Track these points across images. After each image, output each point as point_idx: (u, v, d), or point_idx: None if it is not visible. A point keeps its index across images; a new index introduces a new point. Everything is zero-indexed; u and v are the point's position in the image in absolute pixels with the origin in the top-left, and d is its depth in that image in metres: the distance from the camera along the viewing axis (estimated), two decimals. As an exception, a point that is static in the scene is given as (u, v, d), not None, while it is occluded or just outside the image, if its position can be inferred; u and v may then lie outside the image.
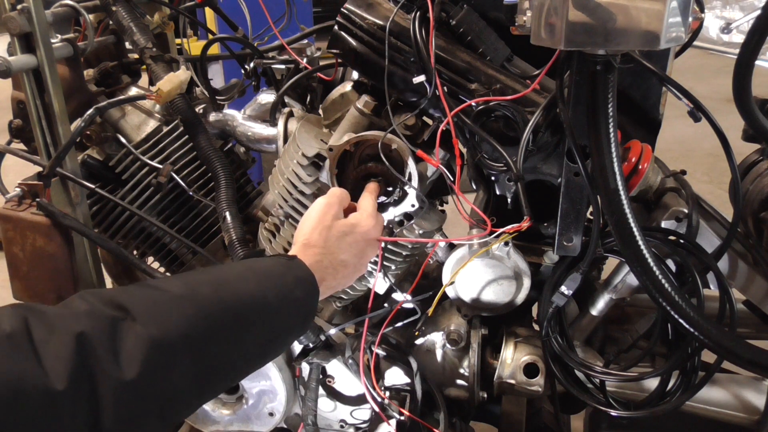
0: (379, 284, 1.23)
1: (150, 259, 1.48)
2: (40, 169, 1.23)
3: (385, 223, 1.16)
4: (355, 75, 1.26)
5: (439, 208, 1.36)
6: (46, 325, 0.64)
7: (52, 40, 1.20)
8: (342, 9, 1.13)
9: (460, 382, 1.33)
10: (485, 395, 1.34)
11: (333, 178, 1.14)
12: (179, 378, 0.71)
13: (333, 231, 1.01)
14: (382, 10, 1.12)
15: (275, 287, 0.86)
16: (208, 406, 1.38)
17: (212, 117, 1.49)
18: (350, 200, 1.10)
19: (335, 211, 1.03)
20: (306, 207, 1.17)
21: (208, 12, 3.10)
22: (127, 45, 1.47)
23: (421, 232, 1.20)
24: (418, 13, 1.07)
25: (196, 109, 1.42)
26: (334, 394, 1.34)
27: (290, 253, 0.99)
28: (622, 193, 0.93)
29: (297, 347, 1.29)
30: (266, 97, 1.47)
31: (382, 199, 1.15)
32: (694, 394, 1.17)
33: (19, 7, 1.14)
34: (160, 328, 0.69)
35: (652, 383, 1.21)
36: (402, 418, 1.23)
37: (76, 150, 1.30)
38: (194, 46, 1.75)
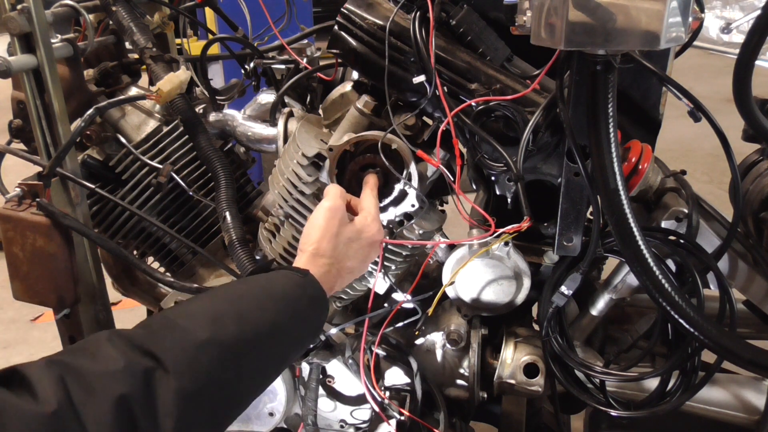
0: (379, 284, 1.23)
1: (150, 259, 1.48)
2: (40, 169, 1.23)
3: (384, 223, 1.16)
4: (355, 75, 1.26)
5: (439, 208, 1.36)
6: (85, 388, 0.65)
7: (52, 40, 1.20)
8: (342, 9, 1.13)
9: (460, 382, 1.33)
10: (485, 395, 1.34)
11: (333, 178, 1.14)
12: (208, 418, 0.74)
13: (341, 238, 1.00)
14: (382, 10, 1.12)
15: (292, 312, 0.88)
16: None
17: (212, 117, 1.49)
18: (350, 196, 1.10)
19: (341, 215, 1.02)
20: (306, 207, 1.17)
21: (208, 12, 3.11)
22: (127, 45, 1.47)
23: (421, 232, 1.20)
24: (418, 13, 1.07)
25: (196, 109, 1.42)
26: (334, 394, 1.34)
27: (299, 262, 0.98)
28: (622, 193, 0.93)
29: (297, 347, 1.29)
30: (266, 97, 1.47)
31: (383, 201, 1.15)
32: (694, 394, 1.17)
33: (19, 7, 1.14)
34: (191, 378, 0.71)
35: (652, 383, 1.21)
36: (402, 418, 1.23)
37: (76, 150, 1.30)
38: (194, 46, 1.75)
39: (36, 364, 0.66)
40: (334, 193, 1.05)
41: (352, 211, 1.09)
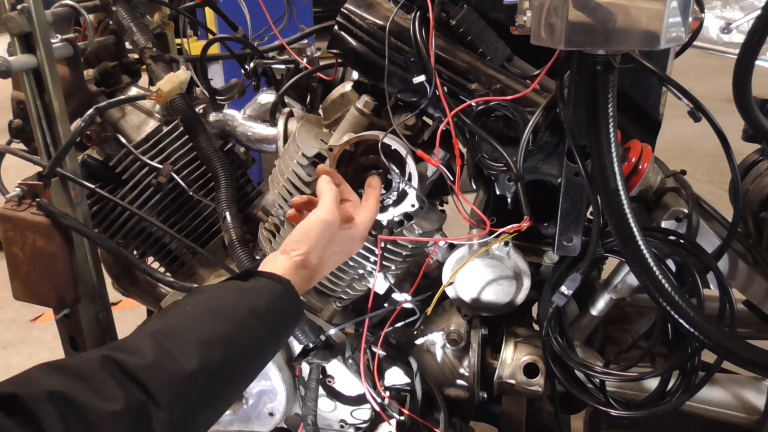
0: (379, 284, 1.23)
1: (150, 259, 1.48)
2: (40, 169, 1.23)
3: (384, 223, 1.16)
4: (355, 75, 1.26)
5: (439, 208, 1.36)
6: (89, 429, 0.67)
7: (52, 40, 1.20)
8: (342, 9, 1.13)
9: (460, 382, 1.33)
10: (485, 395, 1.34)
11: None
12: None
13: (328, 252, 1.00)
14: (382, 10, 1.12)
15: (275, 329, 0.92)
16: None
17: (212, 117, 1.49)
18: (344, 187, 1.09)
19: (334, 229, 1.00)
20: (306, 207, 1.17)
21: (208, 12, 3.10)
22: (127, 45, 1.47)
23: (421, 232, 1.20)
24: (418, 13, 1.07)
25: (196, 109, 1.42)
26: (334, 394, 1.34)
27: (281, 265, 0.96)
28: (622, 193, 0.93)
29: (297, 347, 1.29)
30: (266, 97, 1.47)
31: (383, 203, 1.14)
32: (694, 394, 1.17)
33: (19, 7, 1.14)
34: (180, 411, 0.74)
35: (652, 383, 1.21)
36: (402, 418, 1.23)
37: (76, 150, 1.30)
38: (194, 46, 1.75)
39: (37, 394, 0.66)
40: (329, 201, 1.01)
41: (343, 203, 1.08)
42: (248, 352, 0.86)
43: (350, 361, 1.24)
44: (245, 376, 0.89)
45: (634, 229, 0.94)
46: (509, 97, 1.04)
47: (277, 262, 0.98)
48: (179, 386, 0.75)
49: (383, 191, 1.14)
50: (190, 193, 1.40)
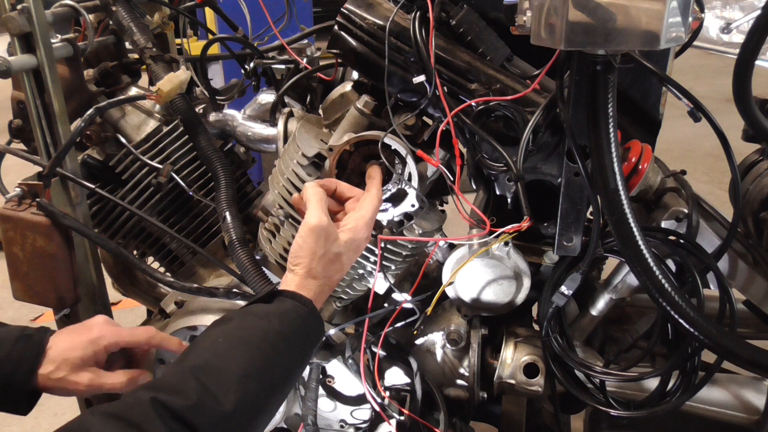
0: (379, 284, 1.23)
1: (150, 259, 1.48)
2: (40, 169, 1.23)
3: (384, 223, 1.16)
4: (355, 75, 1.26)
5: (439, 208, 1.36)
6: None
7: (52, 40, 1.20)
8: (342, 9, 1.13)
9: (460, 382, 1.33)
10: (485, 395, 1.34)
11: (333, 178, 1.14)
12: None
13: (329, 255, 1.00)
14: (382, 10, 1.12)
15: (302, 351, 0.95)
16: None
17: (212, 117, 1.49)
18: (338, 183, 1.09)
19: (326, 232, 1.00)
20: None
21: (208, 12, 3.11)
22: (127, 45, 1.47)
23: (421, 232, 1.20)
24: (418, 13, 1.07)
25: (196, 109, 1.42)
26: (334, 394, 1.34)
27: (291, 283, 0.99)
28: (622, 193, 0.93)
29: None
30: (266, 97, 1.47)
31: (385, 191, 1.14)
32: (694, 394, 1.17)
33: (19, 7, 1.14)
34: None
35: (652, 383, 1.21)
36: (402, 418, 1.23)
37: (76, 150, 1.30)
38: (194, 46, 1.75)
39: None
40: (314, 205, 1.01)
41: (340, 198, 1.08)
42: (280, 377, 0.90)
43: (350, 361, 1.24)
44: (278, 400, 0.92)
45: (634, 229, 0.94)
46: (509, 97, 1.04)
47: (287, 282, 1.00)
48: (223, 423, 0.79)
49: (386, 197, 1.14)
50: (190, 193, 1.40)
